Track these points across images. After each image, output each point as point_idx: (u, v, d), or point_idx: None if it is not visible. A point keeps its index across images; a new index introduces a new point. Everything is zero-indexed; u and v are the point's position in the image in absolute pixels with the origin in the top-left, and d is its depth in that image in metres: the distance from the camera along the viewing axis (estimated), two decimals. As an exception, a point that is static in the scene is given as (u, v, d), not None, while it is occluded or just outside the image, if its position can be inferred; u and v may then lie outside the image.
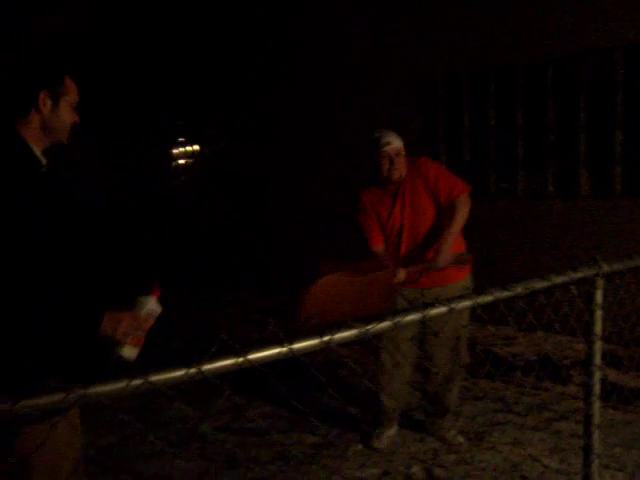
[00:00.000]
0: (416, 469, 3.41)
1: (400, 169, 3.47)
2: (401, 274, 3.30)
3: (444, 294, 3.19)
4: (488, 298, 1.69)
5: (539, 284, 1.77)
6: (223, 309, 7.46)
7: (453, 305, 1.62)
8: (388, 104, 7.06)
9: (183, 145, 11.26)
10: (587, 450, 2.06)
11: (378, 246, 3.55)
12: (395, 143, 3.49)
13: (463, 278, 3.62)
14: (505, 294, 1.72)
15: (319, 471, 3.44)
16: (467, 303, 1.68)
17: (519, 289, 1.71)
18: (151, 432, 3.97)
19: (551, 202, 5.88)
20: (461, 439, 3.71)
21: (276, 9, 8.45)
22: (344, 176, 7.10)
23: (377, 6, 7.19)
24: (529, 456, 3.47)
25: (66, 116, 1.98)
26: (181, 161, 11.45)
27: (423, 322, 1.70)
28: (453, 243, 3.42)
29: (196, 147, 10.96)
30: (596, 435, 2.09)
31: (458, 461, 3.48)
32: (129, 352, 1.90)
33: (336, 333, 1.41)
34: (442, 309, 1.62)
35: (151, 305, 1.95)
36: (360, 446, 3.71)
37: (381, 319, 1.50)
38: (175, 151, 11.47)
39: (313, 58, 8.09)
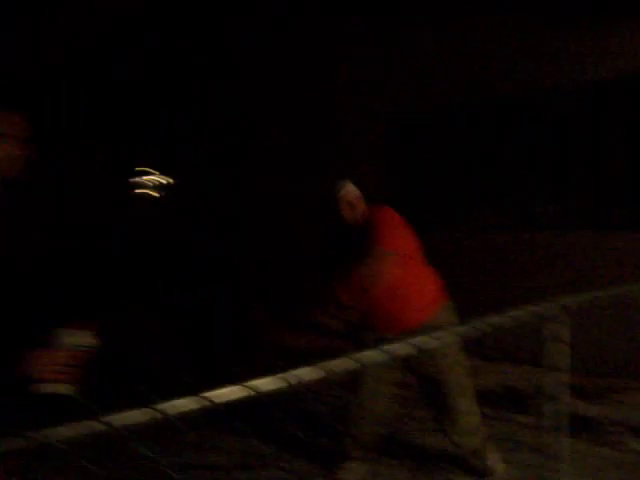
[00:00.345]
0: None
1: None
2: None
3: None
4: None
5: (502, 320, 1.79)
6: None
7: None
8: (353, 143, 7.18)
9: (151, 175, 11.20)
10: (555, 484, 2.07)
11: None
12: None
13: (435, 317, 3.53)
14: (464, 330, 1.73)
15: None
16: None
17: (483, 325, 1.73)
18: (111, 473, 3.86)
19: (514, 234, 5.99)
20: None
21: (251, 31, 8.48)
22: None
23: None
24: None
25: (10, 150, 1.98)
26: (152, 192, 11.38)
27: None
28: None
29: (168, 179, 10.91)
30: (565, 468, 2.11)
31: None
32: (53, 388, 1.84)
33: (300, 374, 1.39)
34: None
35: (74, 339, 1.90)
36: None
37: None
38: (142, 180, 11.40)
39: (288, 87, 8.13)
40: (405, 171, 6.97)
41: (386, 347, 1.58)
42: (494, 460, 3.68)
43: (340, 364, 1.43)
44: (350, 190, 3.60)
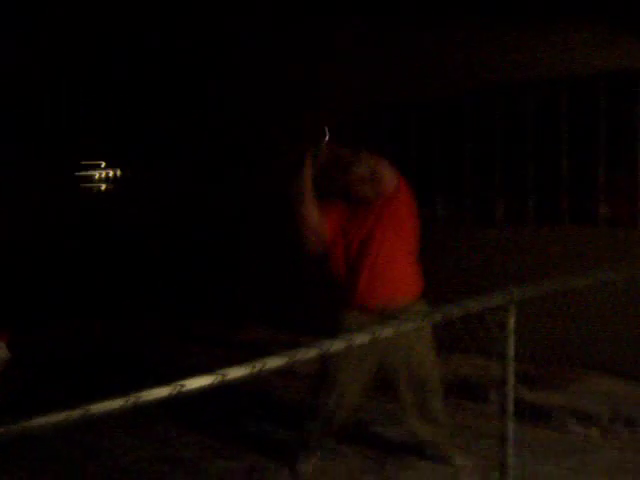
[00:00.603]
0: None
1: None
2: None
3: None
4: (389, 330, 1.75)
5: (455, 311, 1.89)
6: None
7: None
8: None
9: (101, 168, 11.04)
10: (503, 466, 2.19)
11: None
12: None
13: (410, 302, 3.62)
14: (411, 324, 1.82)
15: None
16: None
17: (438, 317, 1.83)
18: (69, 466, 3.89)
19: (470, 229, 6.16)
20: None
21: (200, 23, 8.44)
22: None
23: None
24: (450, 475, 3.60)
25: None
26: (100, 185, 11.22)
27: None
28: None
29: (117, 171, 10.78)
30: (510, 452, 2.23)
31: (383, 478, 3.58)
32: None
33: (267, 362, 1.45)
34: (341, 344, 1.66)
35: None
36: (287, 471, 3.75)
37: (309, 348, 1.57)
38: (91, 174, 11.23)
39: (243, 75, 8.11)
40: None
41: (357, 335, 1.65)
42: (454, 450, 3.81)
43: (305, 354, 1.50)
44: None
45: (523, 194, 5.86)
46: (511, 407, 2.15)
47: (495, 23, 5.80)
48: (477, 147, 6.16)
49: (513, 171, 5.93)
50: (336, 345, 1.59)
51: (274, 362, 1.45)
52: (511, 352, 2.10)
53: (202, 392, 1.32)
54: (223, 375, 1.32)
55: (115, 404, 1.22)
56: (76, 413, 1.12)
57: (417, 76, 6.35)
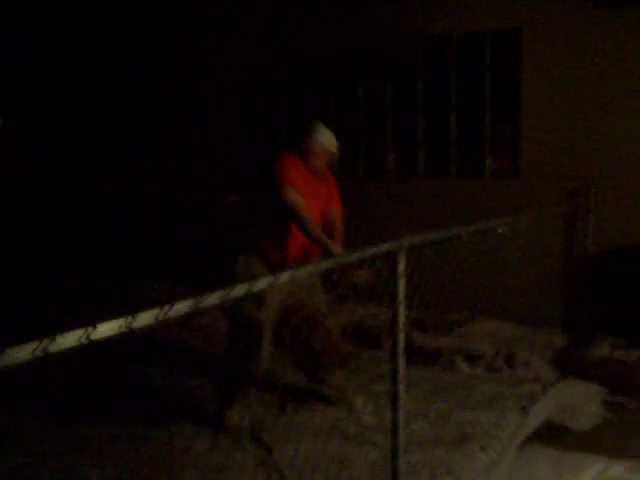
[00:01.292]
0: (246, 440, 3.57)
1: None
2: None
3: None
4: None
5: (351, 256, 2.00)
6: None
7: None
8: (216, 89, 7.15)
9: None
10: (394, 400, 2.36)
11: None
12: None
13: None
14: (306, 270, 1.90)
15: (150, 447, 3.48)
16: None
17: (331, 262, 1.93)
18: None
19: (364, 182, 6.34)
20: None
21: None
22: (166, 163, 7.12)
23: None
24: (346, 416, 3.80)
25: None
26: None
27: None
28: None
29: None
30: (401, 387, 2.40)
31: (281, 424, 3.71)
32: None
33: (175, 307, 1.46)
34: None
35: None
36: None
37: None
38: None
39: (147, 34, 7.84)
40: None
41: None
42: (349, 391, 4.01)
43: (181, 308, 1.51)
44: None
45: (418, 148, 6.08)
46: (401, 345, 2.30)
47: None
48: (370, 102, 6.31)
49: (403, 125, 6.14)
50: (238, 290, 1.63)
51: (182, 306, 1.47)
52: (401, 294, 2.24)
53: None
54: (132, 319, 1.34)
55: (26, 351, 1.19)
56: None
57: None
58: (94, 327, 1.28)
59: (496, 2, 5.52)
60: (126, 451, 3.44)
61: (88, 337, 1.27)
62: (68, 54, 8.15)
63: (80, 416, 3.86)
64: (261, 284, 1.67)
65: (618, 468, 3.10)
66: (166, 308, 1.41)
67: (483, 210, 5.36)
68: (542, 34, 5.33)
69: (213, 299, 1.54)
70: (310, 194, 3.60)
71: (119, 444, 3.52)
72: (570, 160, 5.32)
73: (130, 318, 1.36)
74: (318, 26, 6.41)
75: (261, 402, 3.98)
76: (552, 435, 3.63)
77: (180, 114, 7.56)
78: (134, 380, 4.49)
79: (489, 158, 5.80)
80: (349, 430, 3.61)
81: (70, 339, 1.25)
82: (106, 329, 1.32)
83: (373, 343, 5.14)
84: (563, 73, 5.28)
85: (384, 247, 2.18)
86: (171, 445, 3.51)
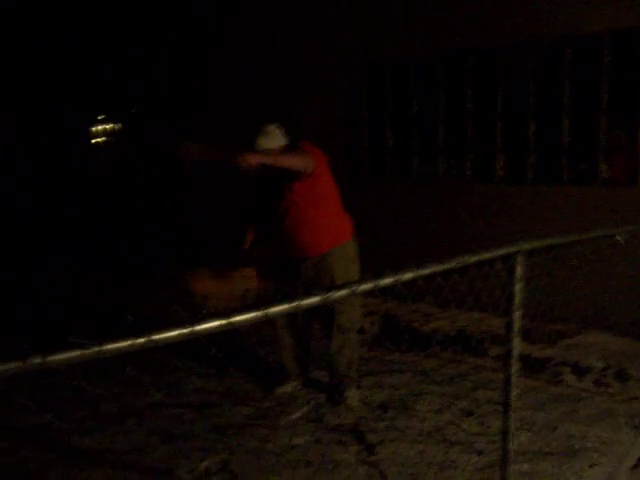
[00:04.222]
0: (347, 438, 3.62)
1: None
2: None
3: (325, 263, 3.84)
4: (388, 280, 1.75)
5: (471, 259, 1.98)
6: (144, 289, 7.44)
7: (354, 288, 1.64)
8: (315, 90, 7.23)
9: (103, 123, 11.01)
10: (506, 407, 2.32)
11: None
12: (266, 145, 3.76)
13: (341, 244, 3.90)
14: (429, 270, 1.87)
15: (253, 441, 3.60)
16: (369, 286, 1.70)
17: (453, 263, 1.92)
18: (85, 409, 4.02)
19: (470, 186, 6.23)
20: (355, 402, 4.07)
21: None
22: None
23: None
24: (450, 421, 3.76)
25: None
26: (100, 139, 11.20)
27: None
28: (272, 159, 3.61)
29: (117, 125, 10.74)
30: (514, 395, 2.35)
31: (386, 427, 3.72)
32: None
33: (237, 315, 1.40)
34: (344, 292, 1.62)
35: None
36: (293, 416, 3.89)
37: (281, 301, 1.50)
38: (95, 129, 11.20)
39: (241, 38, 8.12)
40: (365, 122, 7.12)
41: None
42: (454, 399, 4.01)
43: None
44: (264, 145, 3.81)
45: (530, 154, 5.92)
46: (517, 351, 2.26)
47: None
48: (479, 105, 6.20)
49: (514, 129, 5.99)
50: (310, 300, 1.54)
51: (280, 307, 1.45)
52: (518, 299, 2.20)
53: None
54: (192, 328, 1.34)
55: (126, 344, 1.22)
56: (91, 351, 1.16)
57: (419, 31, 6.36)
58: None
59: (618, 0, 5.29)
60: (230, 444, 3.56)
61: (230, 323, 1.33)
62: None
63: (184, 407, 4.03)
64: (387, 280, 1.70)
65: None
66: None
67: (593, 219, 5.15)
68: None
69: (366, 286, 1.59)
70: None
71: (225, 436, 3.65)
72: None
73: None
74: (427, 27, 6.36)
75: (365, 402, 4.03)
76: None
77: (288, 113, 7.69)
78: (236, 369, 4.63)
79: (603, 165, 5.57)
80: (451, 436, 3.58)
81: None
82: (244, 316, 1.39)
83: (475, 350, 5.05)
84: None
85: (502, 250, 2.15)
86: (272, 440, 3.60)
